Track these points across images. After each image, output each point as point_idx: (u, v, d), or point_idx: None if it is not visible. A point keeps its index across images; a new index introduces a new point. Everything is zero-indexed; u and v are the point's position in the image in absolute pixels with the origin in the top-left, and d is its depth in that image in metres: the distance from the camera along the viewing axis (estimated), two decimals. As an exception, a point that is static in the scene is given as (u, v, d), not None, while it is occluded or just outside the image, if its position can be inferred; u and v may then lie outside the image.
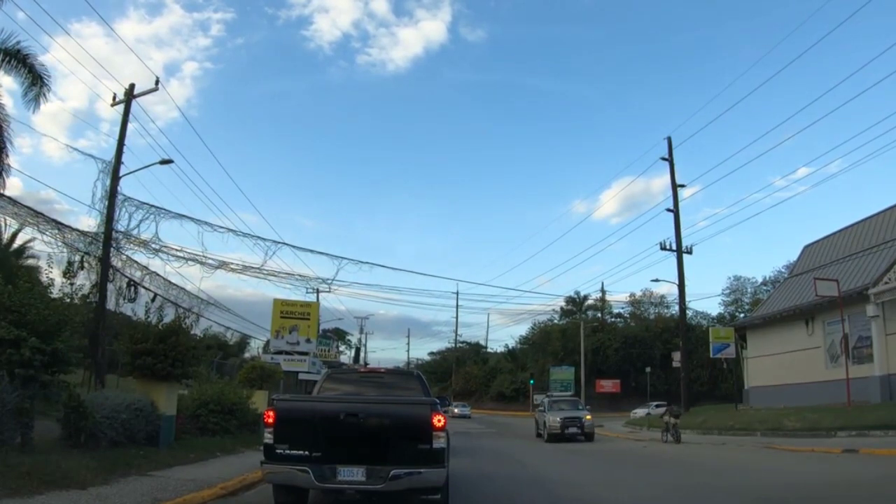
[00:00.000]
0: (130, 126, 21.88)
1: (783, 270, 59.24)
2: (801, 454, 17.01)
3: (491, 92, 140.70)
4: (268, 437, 7.16)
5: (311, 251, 34.59)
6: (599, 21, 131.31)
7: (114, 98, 22.70)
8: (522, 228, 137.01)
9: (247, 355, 49.96)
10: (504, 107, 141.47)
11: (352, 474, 6.95)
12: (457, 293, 66.81)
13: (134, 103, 21.61)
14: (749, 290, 64.50)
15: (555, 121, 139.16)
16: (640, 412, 44.56)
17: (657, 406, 44.73)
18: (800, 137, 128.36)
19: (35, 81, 18.11)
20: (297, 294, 39.23)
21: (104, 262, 21.23)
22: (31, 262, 26.93)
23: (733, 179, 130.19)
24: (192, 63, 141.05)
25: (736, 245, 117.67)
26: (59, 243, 21.11)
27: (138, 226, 23.56)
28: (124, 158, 22.64)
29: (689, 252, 37.51)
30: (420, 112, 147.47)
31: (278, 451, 7.07)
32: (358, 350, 73.44)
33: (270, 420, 7.18)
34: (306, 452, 7.01)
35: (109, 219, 21.49)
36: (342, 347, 70.36)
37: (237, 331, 44.96)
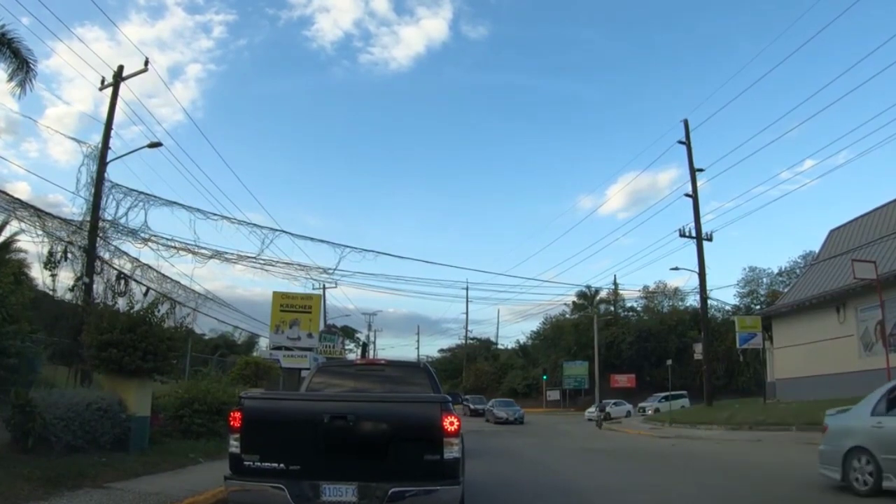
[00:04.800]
0: (136, 129, 21.06)
1: (799, 260, 57.65)
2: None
3: (493, 88, 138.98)
4: (234, 446, 5.67)
5: (311, 239, 32.70)
6: (601, 17, 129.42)
7: (102, 81, 21.38)
8: (527, 225, 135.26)
9: (255, 354, 48.70)
10: (506, 103, 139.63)
11: (339, 493, 5.45)
12: (467, 287, 65.33)
13: (140, 107, 20.38)
14: (765, 281, 62.72)
15: (557, 117, 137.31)
16: (592, 411, 43.50)
17: (615, 404, 45.48)
18: (805, 128, 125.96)
19: (21, 66, 17.05)
20: (304, 288, 37.52)
21: (90, 253, 19.82)
22: (20, 256, 25.64)
23: (738, 171, 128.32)
24: (195, 65, 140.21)
25: (744, 237, 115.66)
26: (39, 232, 19.56)
27: (126, 214, 22.02)
28: (121, 159, 21.45)
29: (710, 239, 35.90)
30: (423, 109, 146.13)
31: (247, 462, 5.59)
32: (364, 346, 71.71)
33: (236, 423, 5.69)
34: (282, 465, 5.56)
35: (96, 206, 20.10)
36: (351, 345, 68.90)
37: (245, 330, 43.49)
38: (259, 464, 5.58)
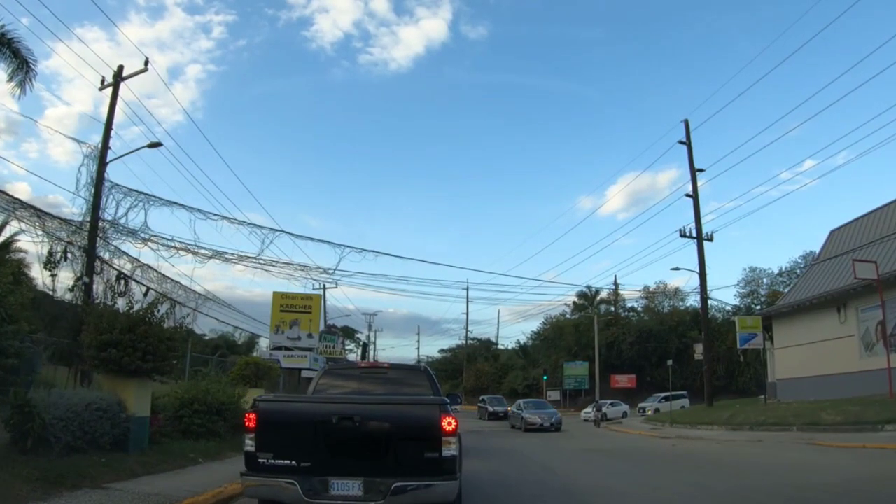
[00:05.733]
0: (136, 130, 21.14)
1: (799, 260, 57.62)
2: (853, 451, 15.31)
3: (493, 89, 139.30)
4: (249, 445, 6.16)
5: (312, 239, 32.55)
6: (599, 18, 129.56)
7: (102, 81, 21.36)
8: (527, 226, 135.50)
9: (255, 354, 48.65)
10: (506, 104, 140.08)
11: (346, 488, 5.92)
12: (467, 288, 65.24)
13: (140, 108, 20.40)
14: (765, 281, 62.63)
15: (556, 117, 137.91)
16: (589, 411, 44.08)
17: (611, 405, 45.42)
18: (805, 128, 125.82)
19: (21, 66, 17.08)
20: (305, 289, 37.47)
21: (90, 253, 19.78)
22: (20, 256, 25.59)
23: (738, 172, 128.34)
24: (195, 66, 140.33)
25: (744, 238, 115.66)
26: (39, 232, 19.52)
27: (126, 214, 21.99)
28: (122, 161, 21.42)
29: (710, 239, 35.87)
30: (423, 110, 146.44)
31: (261, 460, 6.06)
32: (365, 346, 71.65)
33: (252, 424, 6.17)
34: (294, 462, 6.01)
35: (96, 206, 20.08)
36: (351, 345, 68.80)
37: (246, 330, 43.42)
38: (273, 461, 6.01)
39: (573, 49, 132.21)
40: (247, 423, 6.19)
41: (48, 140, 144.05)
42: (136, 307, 11.75)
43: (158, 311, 11.76)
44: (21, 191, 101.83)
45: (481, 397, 52.48)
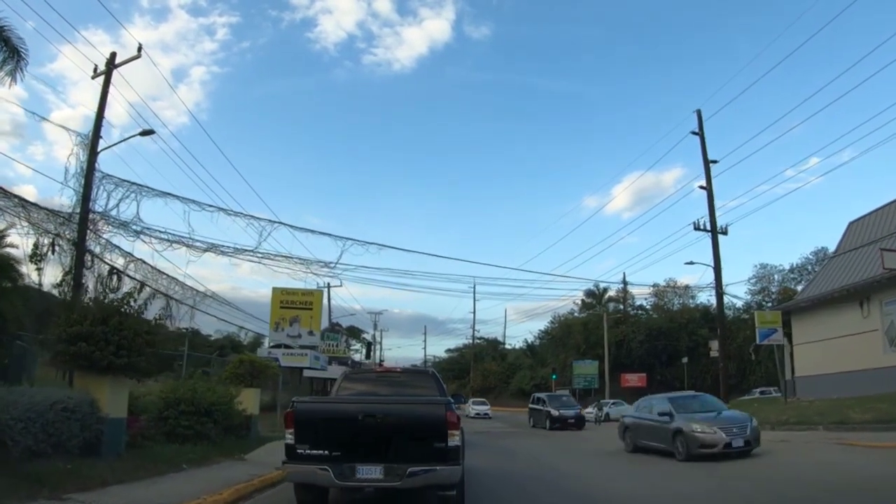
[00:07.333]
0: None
1: (811, 257, 56.33)
2: (892, 451, 14.28)
3: (495, 89, 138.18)
4: (289, 438, 7.32)
5: (312, 231, 31.12)
6: (602, 18, 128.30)
7: (95, 69, 20.46)
8: (531, 226, 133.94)
9: (259, 353, 47.78)
10: (508, 103, 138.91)
11: (370, 472, 7.10)
12: (474, 286, 64.02)
13: (145, 108, 19.39)
14: (776, 278, 61.21)
15: (559, 117, 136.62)
16: (590, 411, 42.33)
17: (614, 404, 42.94)
18: (809, 125, 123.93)
19: (12, 55, 16.16)
20: (308, 286, 36.26)
21: (79, 246, 18.82)
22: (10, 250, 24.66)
23: (744, 169, 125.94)
24: (199, 68, 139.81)
25: (752, 235, 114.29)
26: (24, 223, 18.51)
27: (117, 205, 20.97)
28: (125, 163, 20.49)
29: (724, 232, 34.56)
30: (426, 110, 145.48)
31: (299, 451, 7.24)
32: (370, 346, 70.39)
33: (291, 421, 7.33)
34: (326, 452, 7.17)
35: (86, 197, 19.13)
36: (357, 345, 67.78)
37: (251, 330, 42.39)
38: (309, 451, 7.20)
39: (576, 49, 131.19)
40: (286, 420, 7.35)
41: (54, 143, 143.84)
42: (111, 297, 10.72)
43: (135, 300, 10.70)
44: (27, 193, 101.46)
45: (535, 395, 38.05)
